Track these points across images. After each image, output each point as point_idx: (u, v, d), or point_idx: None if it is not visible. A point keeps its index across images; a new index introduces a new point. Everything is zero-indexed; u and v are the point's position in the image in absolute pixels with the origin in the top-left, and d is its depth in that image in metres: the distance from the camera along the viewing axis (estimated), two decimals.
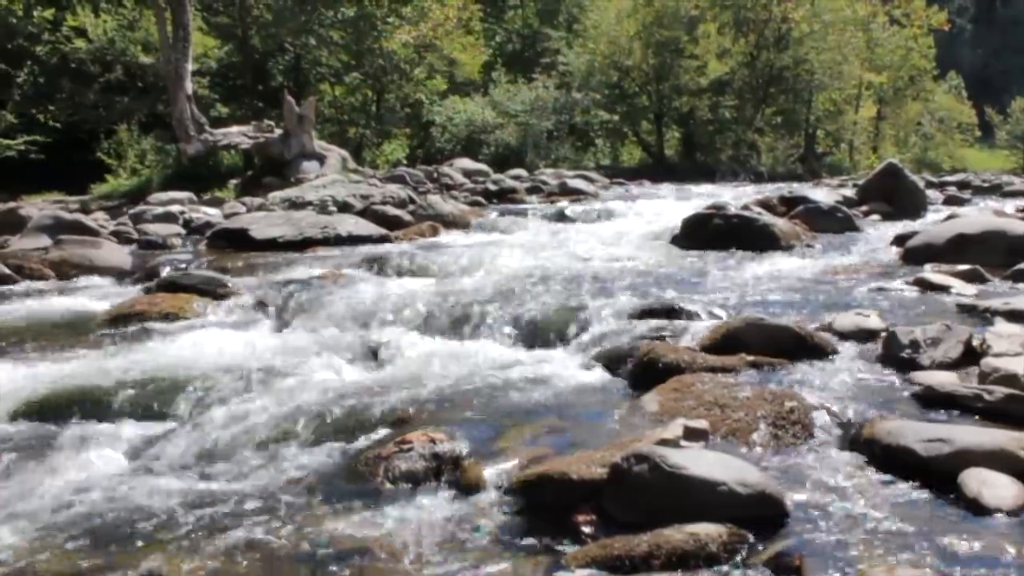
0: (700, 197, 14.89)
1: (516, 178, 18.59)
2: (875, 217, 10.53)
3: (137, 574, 2.42)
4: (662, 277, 6.33)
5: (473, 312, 5.26)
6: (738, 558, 2.28)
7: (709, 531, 2.31)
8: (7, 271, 7.75)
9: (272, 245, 9.19)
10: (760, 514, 2.44)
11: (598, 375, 4.10)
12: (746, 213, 8.54)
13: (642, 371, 3.88)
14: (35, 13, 23.44)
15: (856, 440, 3.01)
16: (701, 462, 2.52)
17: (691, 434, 2.91)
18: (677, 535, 2.30)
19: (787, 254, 7.62)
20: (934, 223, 8.49)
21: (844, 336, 4.28)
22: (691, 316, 4.88)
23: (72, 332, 5.57)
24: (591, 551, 2.35)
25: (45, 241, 9.50)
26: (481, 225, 11.01)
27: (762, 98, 33.97)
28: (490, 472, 2.90)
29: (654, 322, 4.73)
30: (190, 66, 18.73)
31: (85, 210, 14.23)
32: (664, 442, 2.78)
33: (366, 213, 10.84)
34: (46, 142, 21.02)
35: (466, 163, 20.88)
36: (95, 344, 5.21)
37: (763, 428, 3.11)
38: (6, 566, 2.50)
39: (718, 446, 2.97)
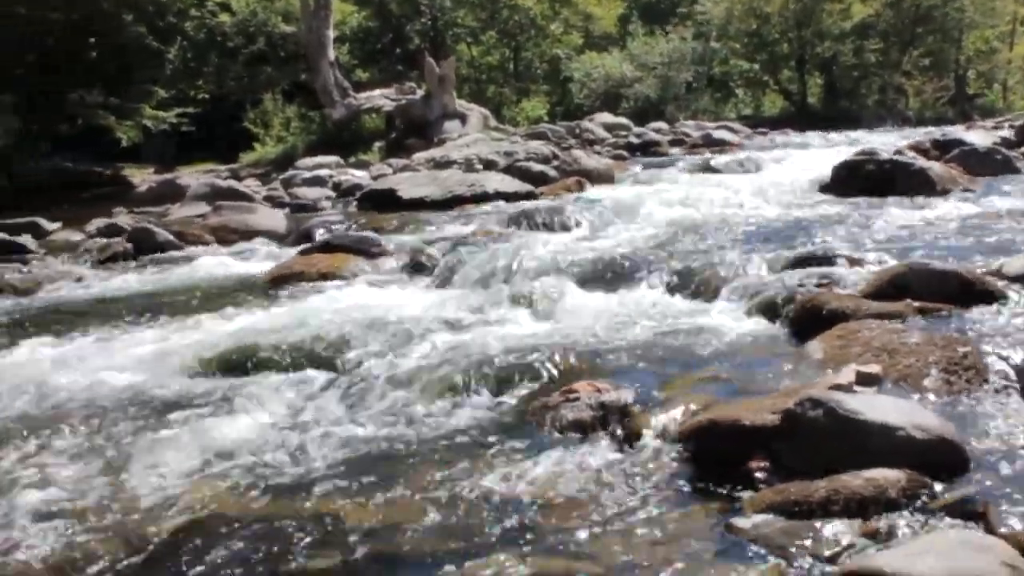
0: (847, 144, 14.42)
1: (658, 131, 18.31)
2: None
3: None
4: (815, 225, 6.18)
5: (627, 264, 5.26)
6: (919, 503, 2.23)
7: (888, 477, 2.27)
8: (171, 238, 8.13)
9: (420, 204, 9.35)
10: (939, 460, 2.38)
11: (757, 324, 4.06)
12: (899, 158, 8.28)
13: (804, 319, 3.82)
14: None
15: None
16: (877, 407, 2.48)
17: (863, 379, 2.86)
18: (855, 481, 2.26)
19: (945, 199, 7.33)
20: None
21: (1014, 280, 4.09)
22: (850, 263, 4.76)
23: (237, 292, 5.83)
24: (767, 497, 2.34)
25: (203, 208, 9.93)
26: (627, 178, 10.94)
27: (909, 40, 32.51)
28: (657, 421, 2.91)
29: (811, 270, 4.63)
30: (331, 33, 19.10)
31: (237, 177, 14.79)
32: (837, 387, 2.74)
33: (510, 170, 10.88)
34: (196, 113, 21.86)
35: (606, 118, 20.66)
36: (259, 303, 5.44)
37: (935, 374, 3.02)
38: (177, 508, 2.66)
39: (890, 392, 2.90)
